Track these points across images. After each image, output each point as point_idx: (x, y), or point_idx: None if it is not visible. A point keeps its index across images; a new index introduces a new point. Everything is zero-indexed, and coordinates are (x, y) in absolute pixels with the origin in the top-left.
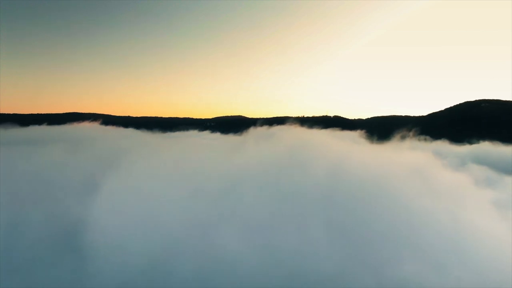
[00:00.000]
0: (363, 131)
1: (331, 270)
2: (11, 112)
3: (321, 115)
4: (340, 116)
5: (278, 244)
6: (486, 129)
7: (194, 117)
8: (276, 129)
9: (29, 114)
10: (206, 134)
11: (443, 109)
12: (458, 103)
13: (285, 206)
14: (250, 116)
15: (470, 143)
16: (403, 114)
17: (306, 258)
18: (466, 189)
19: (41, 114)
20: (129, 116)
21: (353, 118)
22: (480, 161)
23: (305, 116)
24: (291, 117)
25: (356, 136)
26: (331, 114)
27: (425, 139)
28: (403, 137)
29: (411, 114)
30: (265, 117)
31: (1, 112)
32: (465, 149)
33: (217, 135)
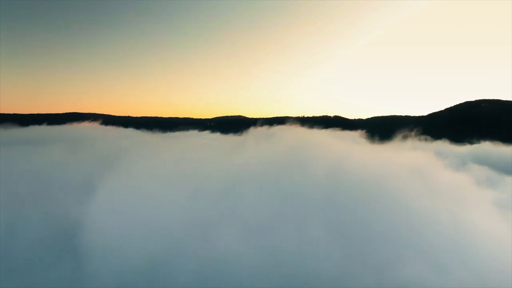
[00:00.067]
0: (363, 131)
1: (331, 271)
2: (11, 112)
3: (321, 115)
4: (340, 116)
5: (278, 244)
6: (486, 129)
7: (194, 117)
8: (276, 129)
9: (29, 114)
10: (206, 134)
11: (443, 109)
12: (458, 103)
13: (285, 206)
14: (250, 116)
15: (471, 143)
16: (403, 114)
17: (306, 258)
18: (467, 189)
19: (41, 114)
20: (129, 116)
21: (353, 118)
22: (481, 161)
23: (305, 116)
24: (291, 117)
25: (356, 136)
26: (331, 114)
27: (426, 139)
28: (404, 137)
29: (411, 114)
30: (265, 117)
31: (1, 112)
32: (465, 149)
33: (217, 135)
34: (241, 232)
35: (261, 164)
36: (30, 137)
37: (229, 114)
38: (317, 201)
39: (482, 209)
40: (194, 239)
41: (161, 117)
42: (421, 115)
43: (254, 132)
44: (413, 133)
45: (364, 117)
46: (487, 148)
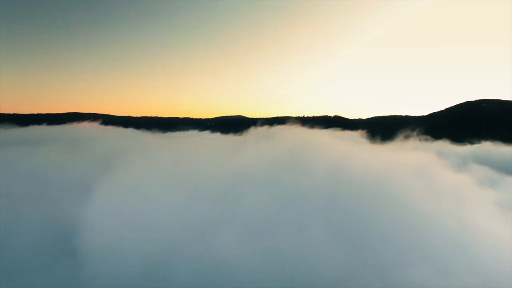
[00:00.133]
0: (364, 131)
1: (332, 272)
2: (11, 112)
3: (321, 115)
4: (340, 116)
5: (279, 246)
6: (486, 129)
7: (194, 117)
8: (277, 129)
9: (28, 114)
10: (206, 134)
11: (443, 109)
12: (458, 103)
13: (285, 207)
14: (250, 116)
15: (471, 143)
16: (404, 114)
17: (306, 260)
18: (468, 189)
19: (41, 114)
20: (129, 116)
21: (353, 118)
22: (482, 161)
23: (306, 116)
24: (292, 117)
25: (357, 136)
26: (332, 114)
27: (426, 139)
28: (405, 137)
29: (412, 114)
30: (265, 117)
31: (0, 112)
32: (466, 149)
33: (217, 135)
34: (241, 233)
35: (261, 164)
36: (29, 137)
37: (229, 114)
38: (317, 202)
39: (484, 209)
40: (193, 240)
41: (161, 117)
42: (421, 115)
43: (254, 132)
44: (414, 133)
45: (364, 117)
46: (488, 148)
